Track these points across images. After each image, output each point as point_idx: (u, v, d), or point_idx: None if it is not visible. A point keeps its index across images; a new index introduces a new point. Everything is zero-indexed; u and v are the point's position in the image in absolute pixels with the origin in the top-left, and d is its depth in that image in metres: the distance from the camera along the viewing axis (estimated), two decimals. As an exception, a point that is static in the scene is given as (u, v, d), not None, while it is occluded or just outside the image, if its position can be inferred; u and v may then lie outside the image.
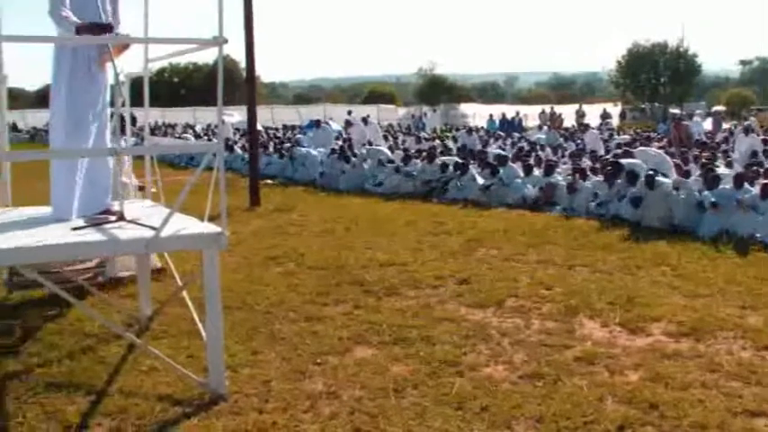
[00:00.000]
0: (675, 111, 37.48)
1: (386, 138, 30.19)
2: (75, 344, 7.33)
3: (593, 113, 52.27)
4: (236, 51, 57.67)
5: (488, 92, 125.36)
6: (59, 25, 6.47)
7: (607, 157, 19.16)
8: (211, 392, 5.94)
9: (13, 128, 45.16)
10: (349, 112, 33.38)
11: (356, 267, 10.23)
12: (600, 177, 15.36)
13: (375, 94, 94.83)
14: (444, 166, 18.67)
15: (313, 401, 5.88)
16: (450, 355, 6.78)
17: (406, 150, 22.37)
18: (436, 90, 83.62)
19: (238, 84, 44.09)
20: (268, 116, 52.71)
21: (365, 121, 28.72)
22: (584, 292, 8.79)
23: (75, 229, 6.11)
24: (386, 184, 19.05)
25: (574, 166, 17.27)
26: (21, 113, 56.30)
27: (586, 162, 19.09)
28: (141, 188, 9.47)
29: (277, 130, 42.67)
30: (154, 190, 8.74)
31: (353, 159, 21.06)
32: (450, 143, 28.82)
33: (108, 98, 7.00)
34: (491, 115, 49.90)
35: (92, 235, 5.97)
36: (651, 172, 13.67)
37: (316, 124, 28.28)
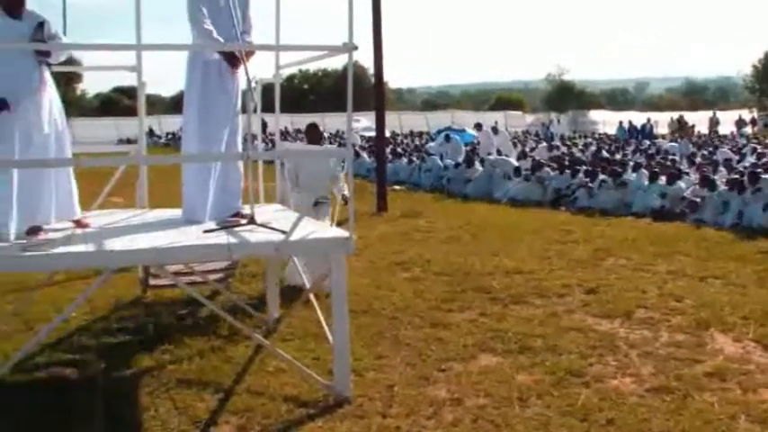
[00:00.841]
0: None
1: (515, 145, 30.02)
2: (205, 343, 7.51)
3: (727, 120, 50.74)
4: (365, 57, 58.03)
5: (618, 98, 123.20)
6: (200, 36, 6.65)
7: (740, 169, 18.54)
8: (336, 395, 5.99)
9: (150, 133, 46.59)
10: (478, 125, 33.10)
11: (482, 274, 10.19)
12: (726, 187, 14.94)
13: (502, 100, 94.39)
14: (574, 173, 18.45)
15: (436, 408, 5.87)
16: (576, 365, 6.68)
17: (533, 158, 22.22)
18: (565, 96, 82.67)
19: (366, 90, 44.49)
20: (396, 122, 52.98)
21: (495, 130, 28.57)
22: (716, 304, 8.52)
23: (206, 231, 6.27)
24: (513, 191, 18.92)
25: (701, 176, 16.81)
26: (157, 119, 58.03)
27: (722, 171, 18.56)
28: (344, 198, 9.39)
29: (405, 136, 42.93)
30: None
31: (481, 166, 21.06)
32: (579, 148, 28.51)
33: (239, 104, 7.15)
34: (621, 122, 48.97)
35: (223, 237, 6.10)
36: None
37: (445, 138, 28.20)
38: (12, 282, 9.59)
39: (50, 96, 6.40)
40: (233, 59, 6.75)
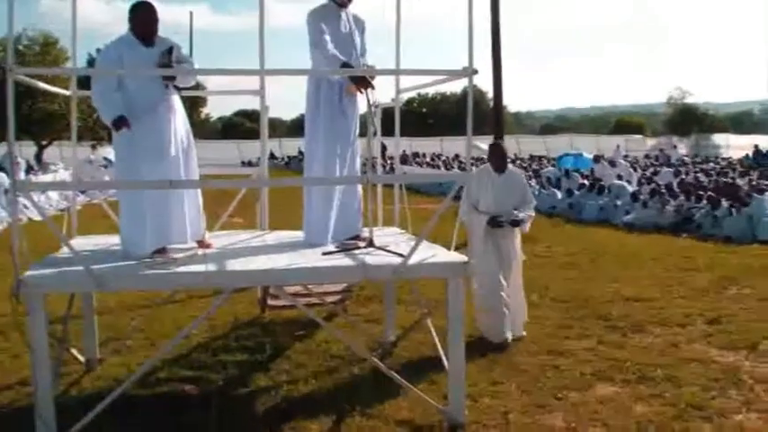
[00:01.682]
0: None
1: (635, 169, 29.50)
2: (321, 364, 7.59)
3: None
4: (484, 81, 58.06)
5: (743, 121, 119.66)
6: (327, 60, 6.75)
7: None
8: (450, 420, 5.97)
9: (271, 156, 47.50)
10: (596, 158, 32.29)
11: (601, 301, 10.02)
12: None
13: (622, 124, 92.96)
14: (697, 199, 18.03)
15: (552, 437, 5.79)
16: (697, 398, 6.50)
17: (655, 183, 21.82)
18: (687, 120, 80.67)
19: (485, 113, 44.38)
20: (514, 146, 52.70)
21: (612, 163, 28.07)
22: None
23: (325, 253, 6.34)
24: (633, 217, 18.60)
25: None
26: (277, 141, 59.14)
27: None
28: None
29: (523, 160, 42.70)
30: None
31: (599, 192, 20.82)
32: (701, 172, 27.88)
33: (358, 127, 7.22)
34: (748, 155, 47.21)
35: (341, 260, 6.17)
36: None
37: (565, 174, 27.84)
38: (137, 299, 9.91)
39: (178, 119, 6.58)
40: (357, 83, 6.83)
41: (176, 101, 6.62)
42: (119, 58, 6.34)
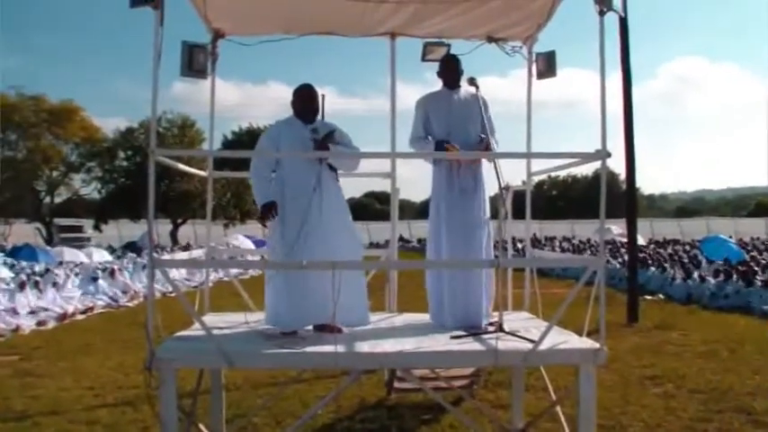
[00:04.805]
0: None
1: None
2: (448, 450, 7.44)
3: None
4: (616, 163, 57.31)
5: None
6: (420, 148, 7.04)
7: None
8: None
9: (400, 238, 47.91)
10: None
11: (742, 394, 9.57)
12: None
13: (763, 206, 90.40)
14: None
15: None
16: None
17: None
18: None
19: (617, 196, 43.79)
20: (647, 230, 51.81)
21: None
22: None
23: (454, 337, 6.23)
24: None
25: None
26: (407, 224, 59.72)
27: None
28: None
29: (659, 244, 41.85)
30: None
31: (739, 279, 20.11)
32: None
33: (488, 210, 7.14)
34: None
35: (471, 344, 6.05)
36: None
37: (707, 260, 27.12)
38: (264, 377, 9.98)
39: (331, 199, 6.65)
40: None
41: (331, 183, 6.70)
42: (278, 136, 6.72)
